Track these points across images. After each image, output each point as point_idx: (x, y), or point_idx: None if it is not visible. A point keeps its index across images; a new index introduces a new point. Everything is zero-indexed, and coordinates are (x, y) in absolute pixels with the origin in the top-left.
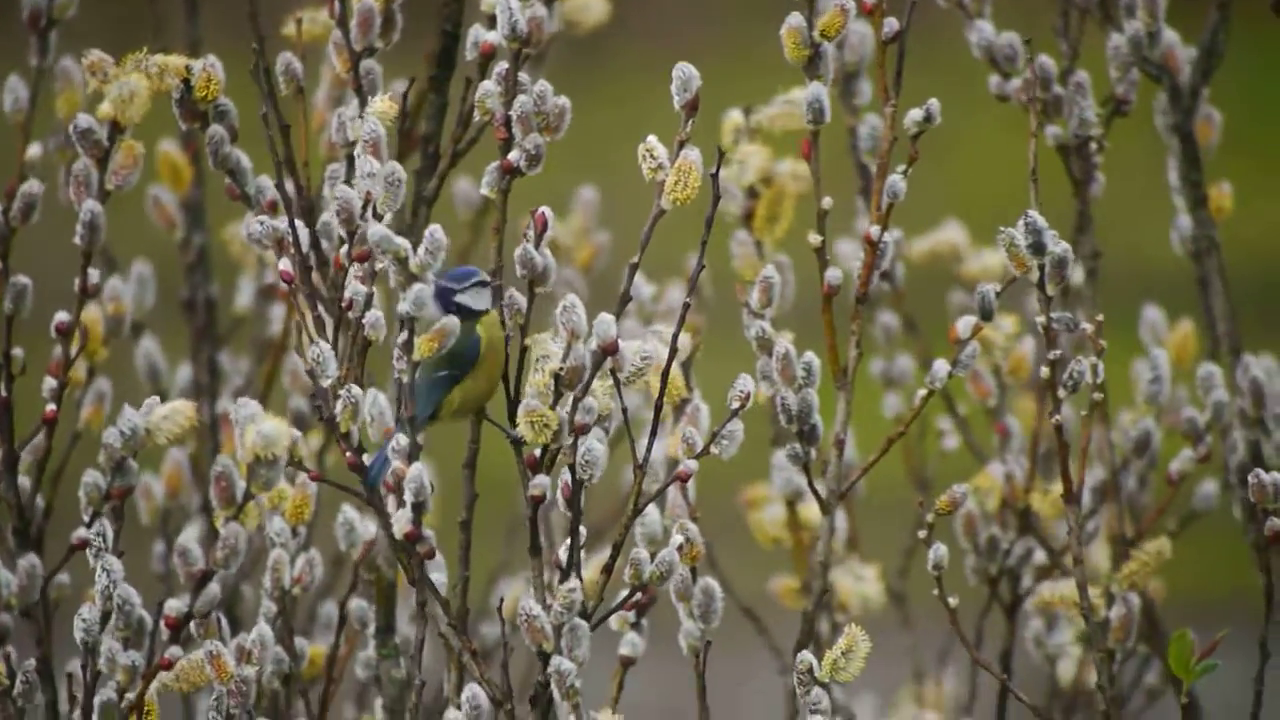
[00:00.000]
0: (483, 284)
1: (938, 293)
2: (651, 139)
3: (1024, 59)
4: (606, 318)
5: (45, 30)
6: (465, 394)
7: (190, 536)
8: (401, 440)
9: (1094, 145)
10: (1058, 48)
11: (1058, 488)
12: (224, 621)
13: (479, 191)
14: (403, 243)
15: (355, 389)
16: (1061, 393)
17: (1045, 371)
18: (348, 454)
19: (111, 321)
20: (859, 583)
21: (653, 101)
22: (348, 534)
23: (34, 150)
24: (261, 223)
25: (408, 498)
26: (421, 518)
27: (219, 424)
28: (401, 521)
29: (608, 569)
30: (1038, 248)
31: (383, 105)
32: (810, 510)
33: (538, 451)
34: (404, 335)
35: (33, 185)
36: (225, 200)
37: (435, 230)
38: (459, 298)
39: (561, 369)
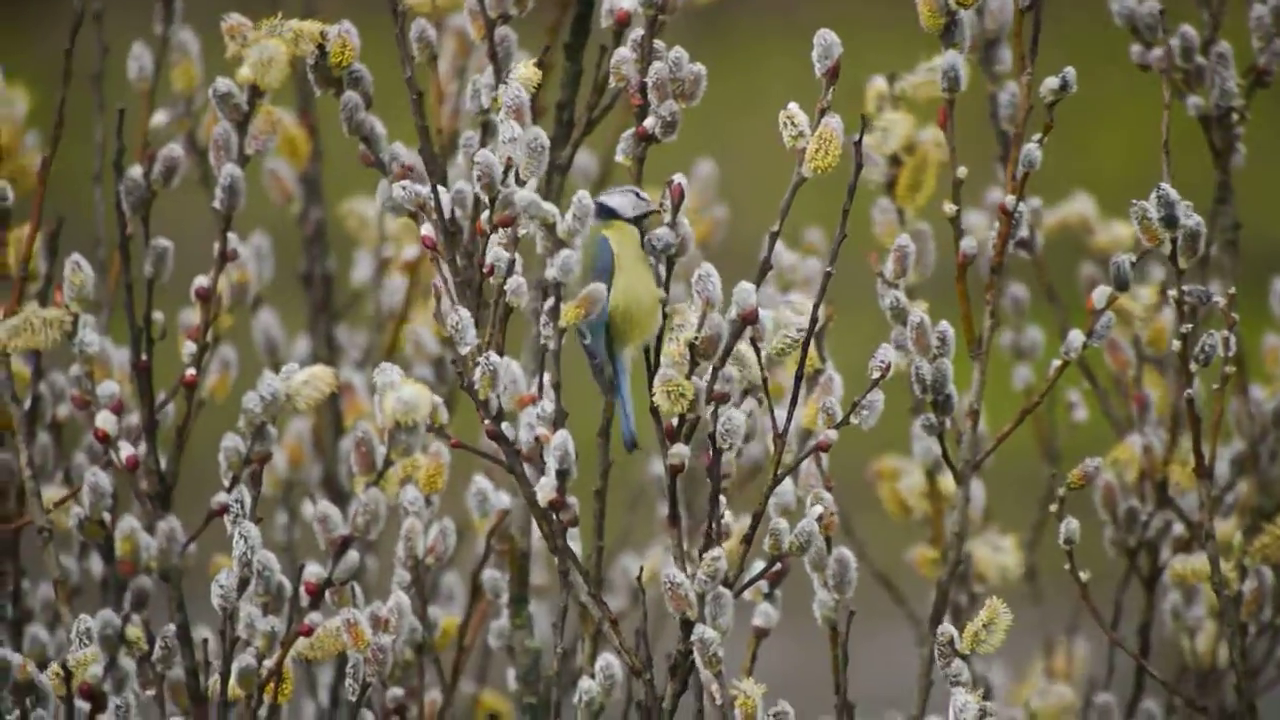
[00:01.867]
0: (636, 195)
1: (1067, 265)
2: (792, 106)
3: (1165, 28)
4: (746, 286)
5: None
6: (618, 299)
7: (327, 505)
8: (546, 407)
9: (1235, 116)
10: (1200, 17)
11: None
12: (358, 590)
13: (595, 165)
14: (550, 208)
15: (494, 356)
16: (1194, 366)
17: (1177, 345)
18: (486, 422)
19: (236, 290)
20: (997, 553)
21: (768, 73)
22: (481, 503)
23: (159, 118)
24: (405, 187)
25: (552, 464)
26: (566, 485)
27: (339, 395)
28: (546, 489)
29: (748, 539)
30: (1170, 220)
31: (527, 71)
32: (949, 480)
33: (675, 421)
34: (550, 302)
35: (173, 148)
36: (342, 174)
37: (583, 195)
38: (603, 198)
39: (697, 338)
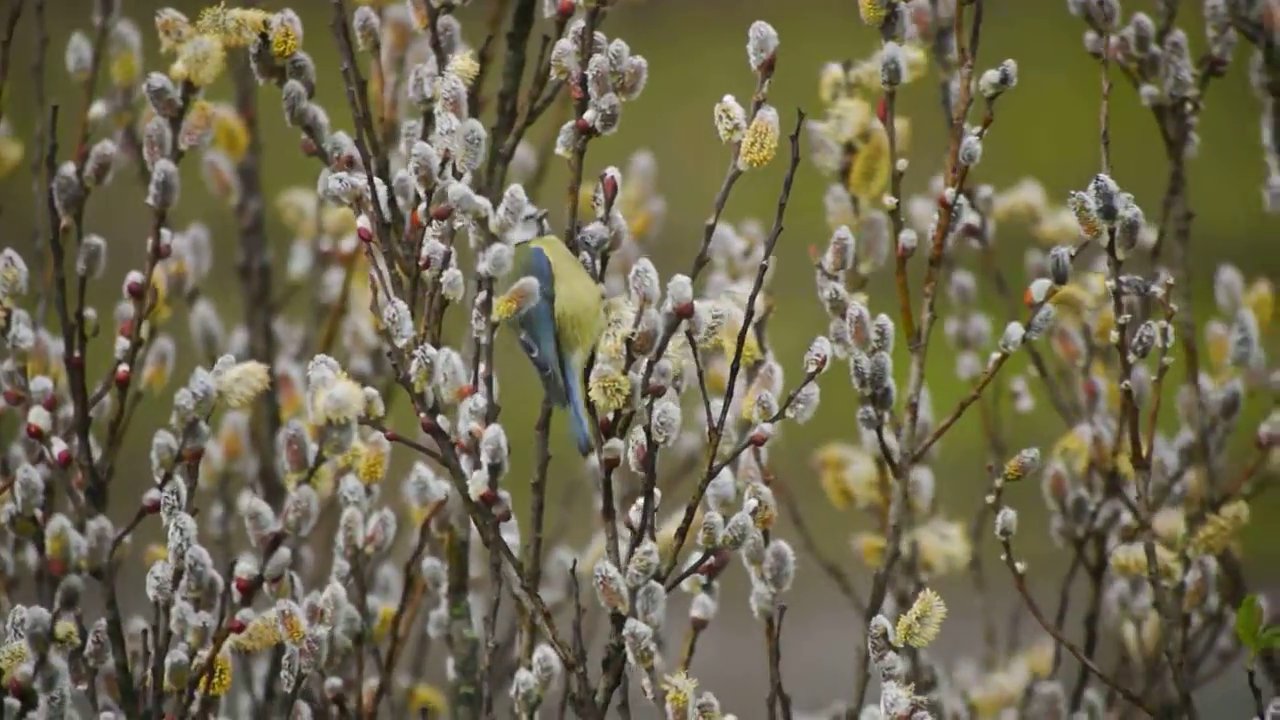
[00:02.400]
0: (529, 218)
1: (1016, 254)
2: (728, 99)
3: (1121, 17)
4: (682, 279)
5: None
6: (564, 305)
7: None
8: (479, 401)
9: (1189, 106)
10: (1154, 6)
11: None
12: (297, 580)
13: (532, 158)
14: (483, 202)
15: (430, 349)
16: (1132, 356)
17: (1114, 336)
18: (422, 415)
19: (173, 282)
20: (944, 542)
21: (709, 63)
22: (421, 492)
23: (97, 110)
24: (340, 179)
25: (484, 459)
26: (498, 479)
27: (277, 388)
28: (478, 483)
29: (681, 532)
30: (1108, 211)
31: (464, 63)
32: None
33: (610, 415)
34: (483, 295)
35: (107, 145)
36: (281, 166)
37: (516, 190)
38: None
39: (633, 334)
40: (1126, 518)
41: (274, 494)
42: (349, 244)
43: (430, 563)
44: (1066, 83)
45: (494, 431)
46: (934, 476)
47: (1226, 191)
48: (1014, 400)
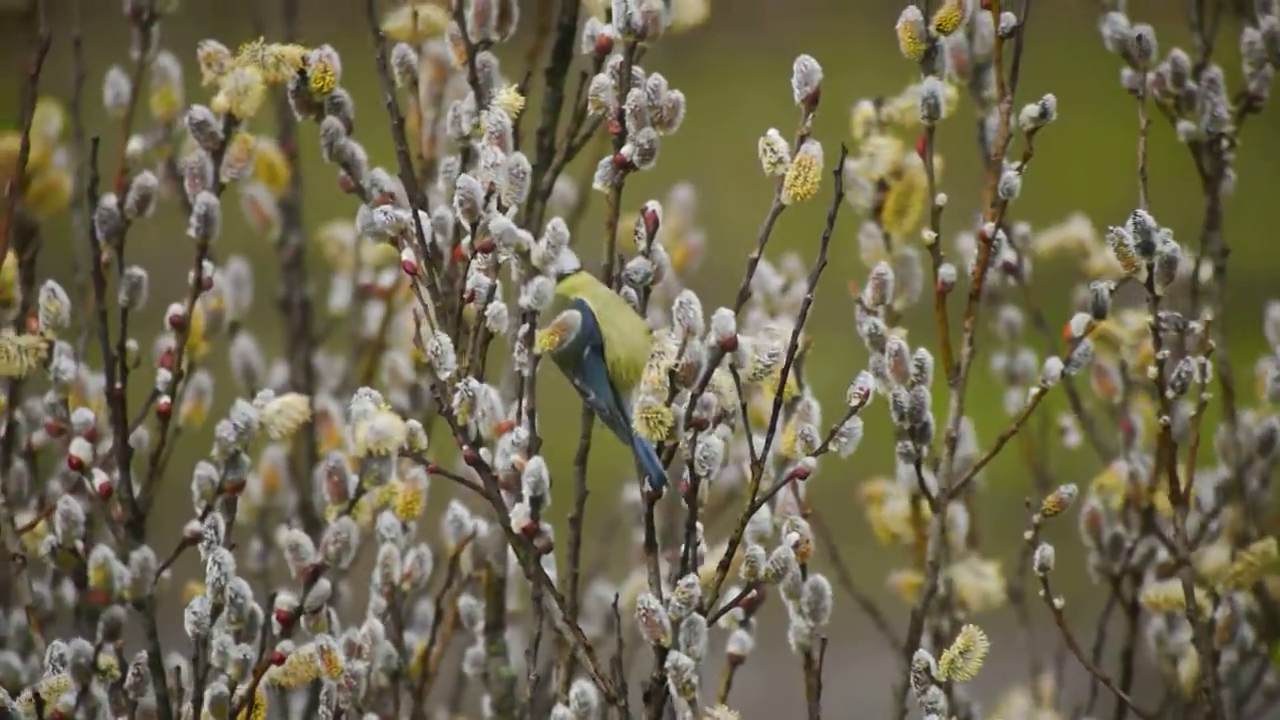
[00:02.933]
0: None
1: (1065, 288)
2: (772, 133)
3: (1158, 53)
4: (725, 313)
5: (147, 24)
6: (616, 349)
7: (296, 533)
8: (521, 434)
9: (1225, 142)
10: (1191, 42)
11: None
12: (334, 616)
13: (573, 192)
14: (525, 236)
15: (474, 382)
16: (1170, 393)
17: (1153, 371)
18: (465, 448)
19: (211, 318)
20: (979, 579)
21: (743, 89)
22: (457, 530)
23: (135, 145)
24: (385, 212)
25: (526, 491)
26: (539, 512)
27: (316, 423)
28: (519, 515)
29: (724, 565)
30: (1146, 247)
31: (509, 97)
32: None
33: (654, 447)
34: (525, 328)
35: (147, 177)
36: (321, 200)
37: (557, 224)
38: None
39: (677, 365)
40: (1163, 554)
41: (312, 529)
42: (388, 279)
43: (466, 600)
44: (1102, 118)
45: (536, 464)
46: (977, 512)
47: (1265, 227)
48: (1062, 436)
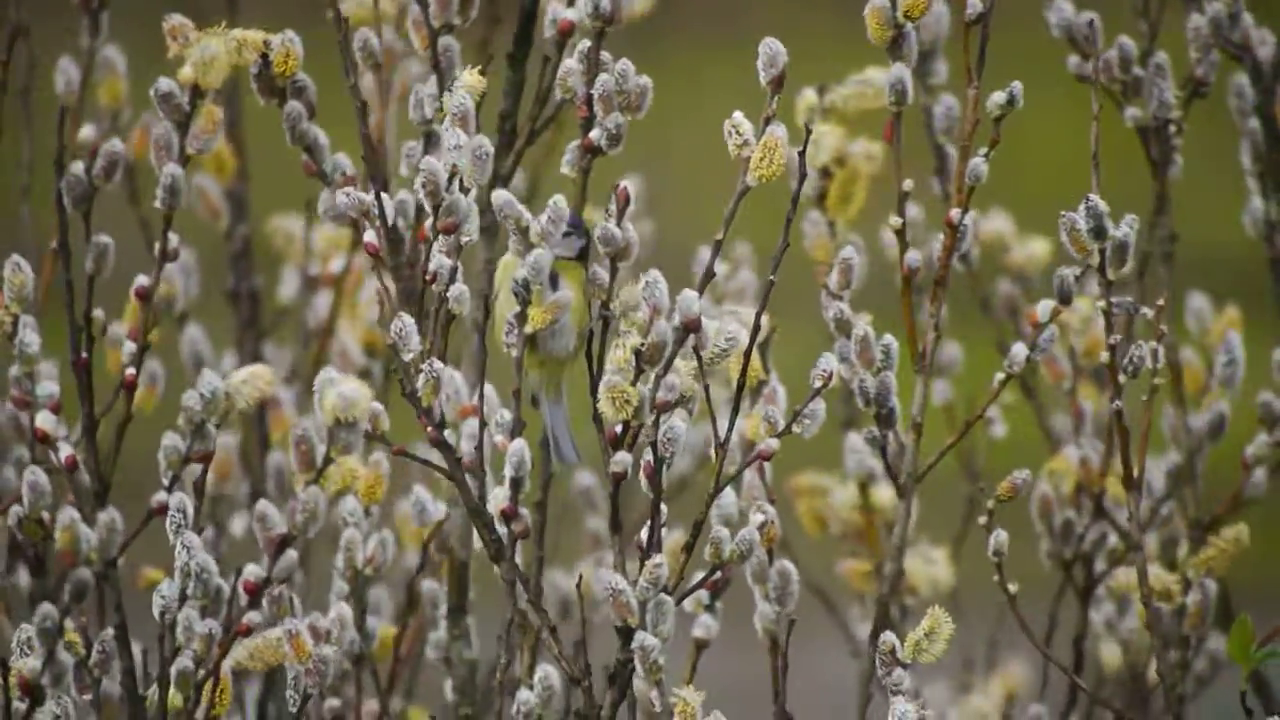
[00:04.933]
0: (570, 232)
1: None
2: (737, 115)
3: (1104, 39)
4: (689, 294)
5: (97, 11)
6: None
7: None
8: (505, 415)
9: (1173, 127)
10: (1137, 28)
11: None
12: (296, 600)
13: (523, 181)
14: (525, 211)
15: (438, 363)
16: (1122, 377)
17: (1105, 356)
18: (430, 429)
19: (161, 305)
20: (929, 565)
21: (707, 81)
22: (420, 514)
23: (86, 132)
24: (348, 193)
25: (508, 473)
26: (519, 495)
27: (266, 410)
28: (499, 498)
29: (688, 547)
30: (1098, 232)
31: (471, 79)
32: (881, 493)
33: (619, 428)
34: (517, 309)
35: (115, 144)
36: (268, 191)
37: (559, 200)
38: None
39: (643, 345)
40: (1114, 540)
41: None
42: (337, 265)
43: (428, 584)
44: (1048, 103)
45: (518, 445)
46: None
47: (1214, 212)
48: (987, 426)
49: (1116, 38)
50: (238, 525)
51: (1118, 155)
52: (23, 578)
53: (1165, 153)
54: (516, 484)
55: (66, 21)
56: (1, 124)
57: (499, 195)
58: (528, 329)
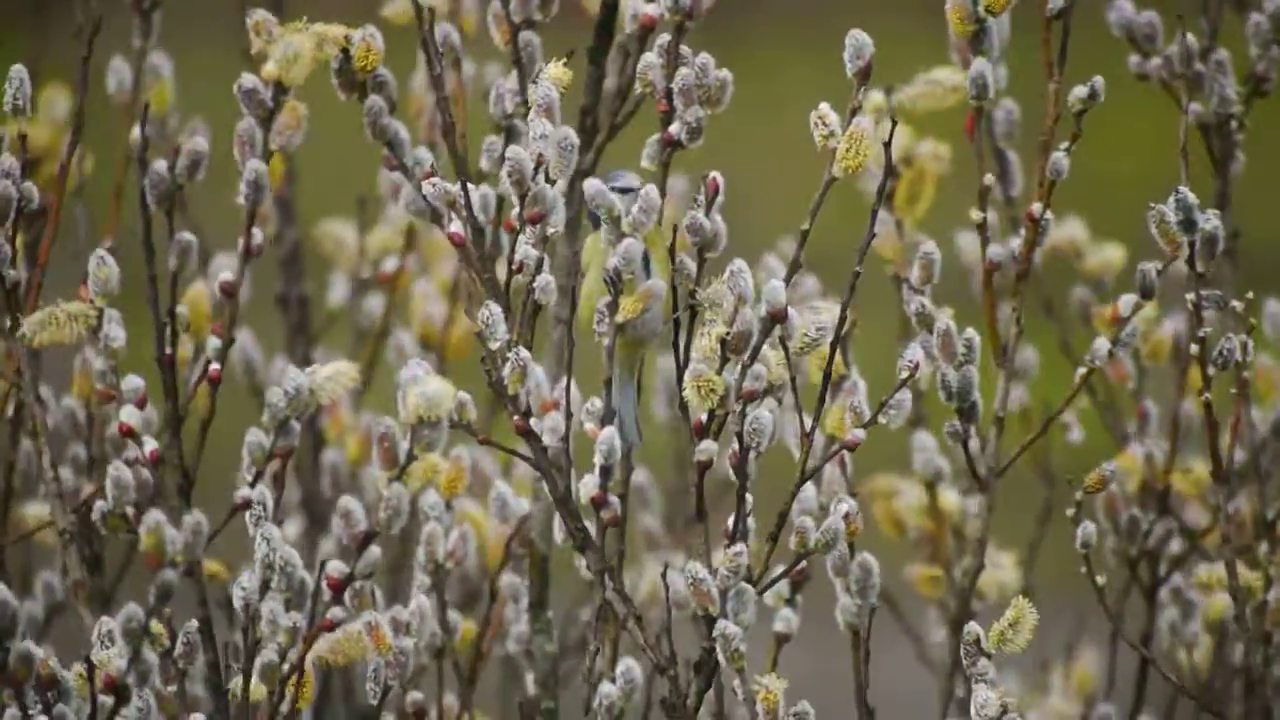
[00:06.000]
0: (626, 190)
1: (1057, 288)
2: (824, 106)
3: (1165, 36)
4: (776, 284)
5: (148, 12)
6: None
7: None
8: (595, 403)
9: (1234, 123)
10: (1198, 25)
11: (1198, 468)
12: (378, 594)
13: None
14: (616, 199)
15: (524, 352)
16: (1211, 370)
17: (1195, 349)
18: (515, 418)
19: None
20: (996, 570)
21: (784, 81)
22: (500, 509)
23: (137, 133)
24: (434, 184)
25: (598, 461)
26: (609, 483)
27: (316, 416)
28: (589, 486)
29: (773, 537)
30: (1188, 224)
31: (556, 71)
32: (949, 496)
33: (704, 417)
34: (607, 298)
35: (199, 142)
36: (316, 197)
37: (651, 190)
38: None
39: (728, 334)
40: (1178, 541)
41: (316, 522)
42: (390, 265)
43: (509, 578)
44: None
45: (608, 433)
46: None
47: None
48: (1065, 431)
49: (1177, 35)
50: (290, 530)
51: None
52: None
53: (1227, 149)
54: (606, 471)
55: (119, 22)
56: (82, 121)
57: (591, 184)
58: (619, 318)
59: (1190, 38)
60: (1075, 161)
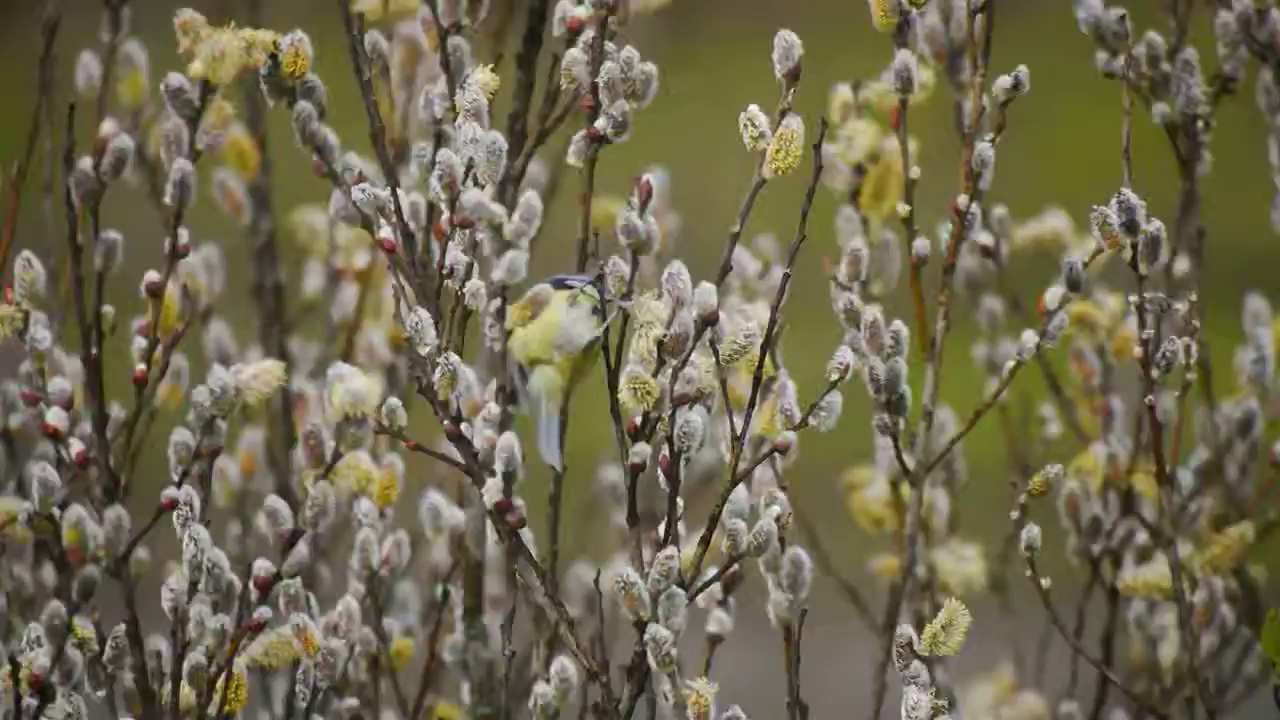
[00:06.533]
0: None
1: (1043, 279)
2: (753, 108)
3: (1133, 35)
4: (707, 286)
5: (118, 6)
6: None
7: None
8: (493, 410)
9: (1201, 124)
10: (1166, 24)
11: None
12: (312, 599)
13: (544, 173)
14: (499, 209)
15: (454, 357)
16: (1155, 373)
17: (1138, 351)
18: (446, 423)
19: (186, 301)
20: (961, 563)
21: (733, 74)
22: (434, 518)
23: (108, 127)
24: (364, 190)
25: (498, 467)
26: (512, 487)
27: (292, 407)
28: (492, 491)
29: (704, 541)
30: (1131, 226)
31: (484, 76)
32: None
33: (638, 420)
34: (497, 303)
35: (124, 140)
36: (291, 185)
37: (531, 197)
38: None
39: (665, 336)
40: (1142, 536)
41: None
42: (363, 260)
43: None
44: (1080, 99)
45: (508, 439)
46: (956, 500)
47: (1242, 209)
48: (1042, 425)
49: (1144, 33)
50: (264, 521)
51: (1149, 153)
52: (49, 575)
53: (1193, 149)
54: (508, 478)
55: (88, 17)
56: (38, 120)
57: (470, 196)
58: (507, 325)
59: (1156, 36)
60: (1066, 156)
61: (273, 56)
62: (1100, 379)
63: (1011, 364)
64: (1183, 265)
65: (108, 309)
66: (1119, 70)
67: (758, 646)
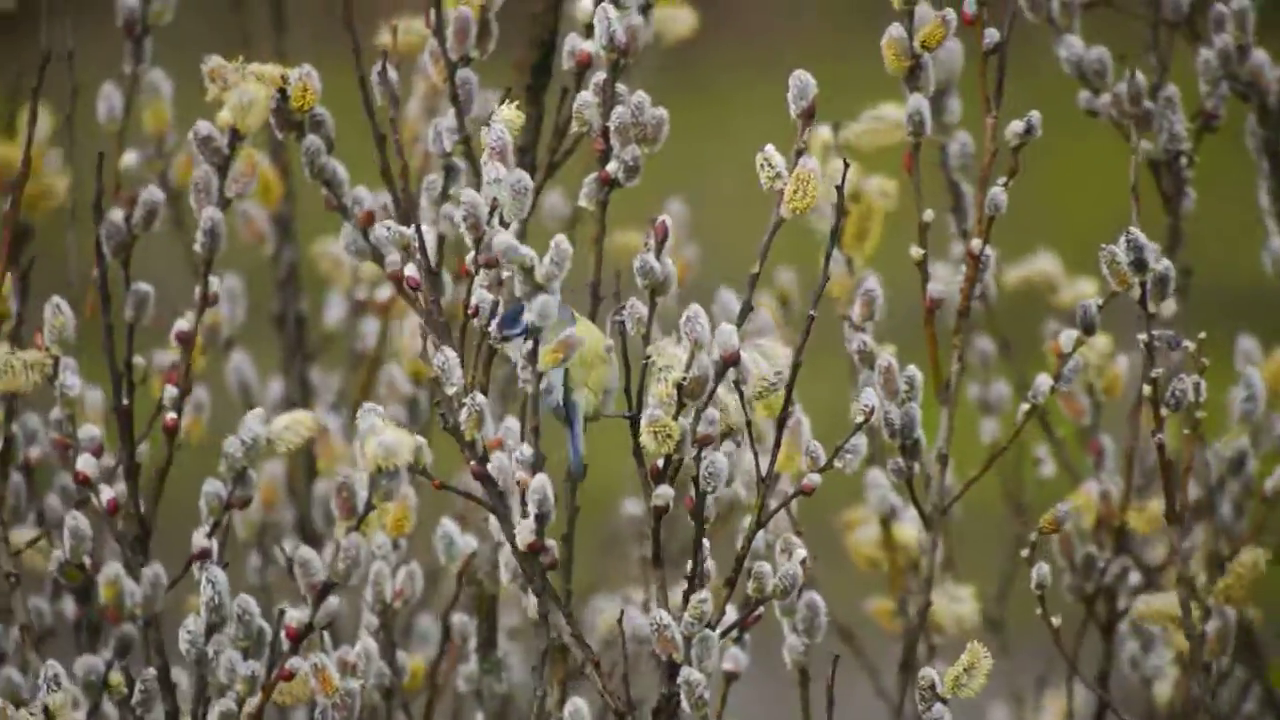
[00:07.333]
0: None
1: (1030, 320)
2: (769, 148)
3: (1115, 73)
4: (728, 328)
5: (140, 37)
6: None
7: (305, 550)
8: (526, 450)
9: (1184, 160)
10: (1147, 63)
11: (1154, 505)
12: (328, 635)
13: (566, 205)
14: (529, 251)
15: (480, 397)
16: (1164, 410)
17: (1147, 389)
18: (472, 463)
19: (208, 333)
20: (954, 603)
21: (742, 103)
22: (447, 547)
23: (129, 159)
24: (389, 227)
25: (531, 509)
26: (544, 528)
27: (314, 438)
28: (524, 532)
29: (729, 582)
30: (1139, 264)
31: (509, 113)
32: (904, 530)
33: (660, 462)
34: (529, 346)
35: (154, 192)
36: (314, 216)
37: (560, 240)
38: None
39: (684, 379)
40: (1136, 575)
41: (311, 545)
42: (384, 293)
43: (459, 618)
44: (1070, 138)
45: (540, 481)
46: (954, 540)
47: (1228, 246)
48: (1036, 465)
49: (1125, 71)
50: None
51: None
52: (69, 607)
53: (1177, 185)
54: (541, 519)
55: (111, 47)
56: (30, 152)
57: (501, 239)
58: (539, 367)
59: (1138, 74)
60: (1053, 198)
61: (281, 91)
62: (1090, 418)
63: (1026, 408)
64: (1169, 306)
65: (138, 360)
66: (1101, 109)
67: (768, 682)
